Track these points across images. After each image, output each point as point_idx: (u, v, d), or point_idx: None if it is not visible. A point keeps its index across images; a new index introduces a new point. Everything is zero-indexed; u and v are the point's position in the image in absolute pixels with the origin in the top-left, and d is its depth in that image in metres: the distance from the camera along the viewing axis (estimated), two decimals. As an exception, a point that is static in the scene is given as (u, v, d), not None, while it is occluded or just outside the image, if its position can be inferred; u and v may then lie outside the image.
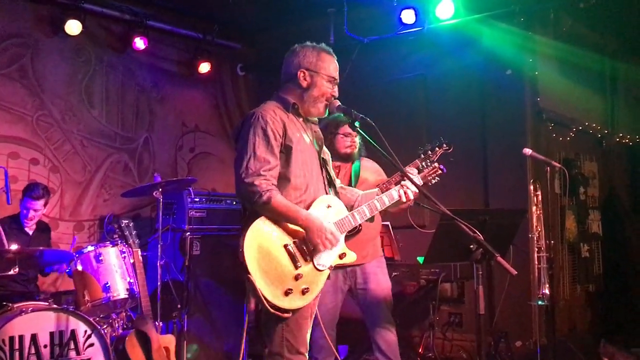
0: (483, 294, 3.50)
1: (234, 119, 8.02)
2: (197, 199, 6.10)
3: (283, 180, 3.18)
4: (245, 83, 8.22)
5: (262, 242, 3.07)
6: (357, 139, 4.60)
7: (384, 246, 5.85)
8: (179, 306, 5.65)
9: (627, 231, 7.72)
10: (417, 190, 3.51)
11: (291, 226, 3.17)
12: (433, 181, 4.19)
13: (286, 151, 3.20)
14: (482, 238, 2.97)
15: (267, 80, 7.76)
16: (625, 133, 7.97)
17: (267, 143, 3.11)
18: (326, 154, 3.51)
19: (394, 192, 3.66)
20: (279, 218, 3.12)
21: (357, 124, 3.34)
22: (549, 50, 6.70)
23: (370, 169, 4.73)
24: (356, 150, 4.61)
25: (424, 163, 4.43)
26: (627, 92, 7.98)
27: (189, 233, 5.94)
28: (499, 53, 6.35)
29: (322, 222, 3.19)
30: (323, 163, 3.44)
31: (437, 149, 4.57)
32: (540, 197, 5.01)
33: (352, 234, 3.63)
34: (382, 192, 3.91)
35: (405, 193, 3.66)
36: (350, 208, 3.48)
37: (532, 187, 5.03)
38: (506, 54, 6.35)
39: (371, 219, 3.56)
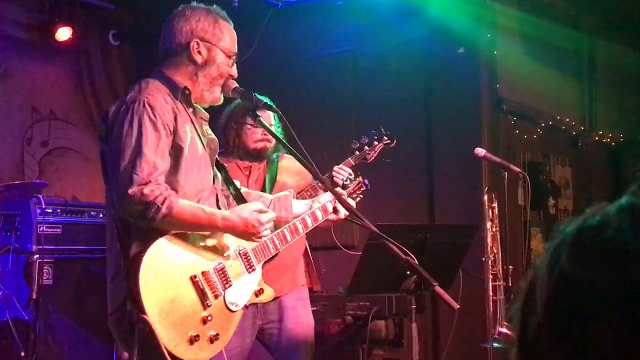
0: (417, 334, 3.59)
1: (104, 103, 7.89)
2: (49, 210, 5.97)
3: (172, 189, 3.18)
4: (120, 55, 8.12)
5: (165, 272, 3.04)
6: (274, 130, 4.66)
7: (299, 273, 5.90)
8: (22, 354, 5.53)
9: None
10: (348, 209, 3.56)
11: (201, 243, 3.20)
12: (357, 199, 4.29)
13: (175, 153, 3.20)
14: (416, 261, 3.05)
15: (150, 52, 7.67)
16: (606, 130, 8.32)
17: (157, 140, 3.09)
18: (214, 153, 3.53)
19: (329, 205, 3.73)
20: (187, 230, 3.12)
21: (257, 113, 3.38)
22: (511, 23, 6.96)
23: (290, 170, 4.77)
24: (271, 145, 4.65)
25: (357, 161, 4.52)
26: (608, 79, 8.34)
27: (37, 256, 5.81)
28: (448, 26, 6.54)
29: (241, 212, 3.26)
30: (217, 170, 3.46)
31: (375, 142, 4.66)
32: (496, 211, 5.18)
33: (268, 259, 3.67)
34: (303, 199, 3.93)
35: (336, 208, 3.76)
36: None
37: (486, 198, 5.19)
38: (458, 27, 6.54)
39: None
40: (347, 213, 3.75)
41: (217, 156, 4.71)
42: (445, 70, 6.72)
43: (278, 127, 4.52)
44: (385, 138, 4.71)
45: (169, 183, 3.15)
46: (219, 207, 3.39)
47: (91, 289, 6.01)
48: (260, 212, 3.30)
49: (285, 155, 4.78)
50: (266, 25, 7.01)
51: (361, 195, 4.37)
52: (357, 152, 4.64)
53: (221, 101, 3.46)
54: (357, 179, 4.41)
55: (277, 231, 3.56)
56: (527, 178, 5.19)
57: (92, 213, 6.24)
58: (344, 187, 4.31)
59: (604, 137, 8.33)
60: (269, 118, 4.44)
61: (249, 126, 4.57)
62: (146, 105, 3.12)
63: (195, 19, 3.33)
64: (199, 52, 3.30)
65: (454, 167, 6.59)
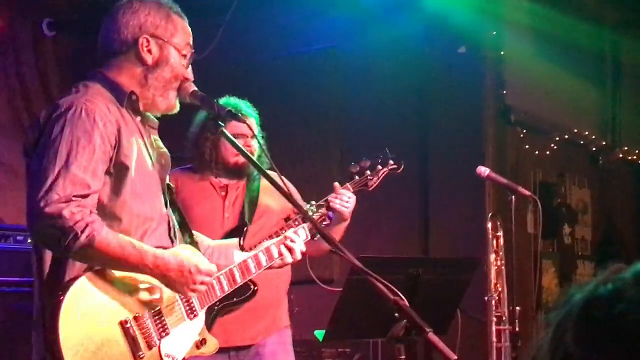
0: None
1: (35, 105, 7.86)
2: (-33, 234, 5.95)
3: (109, 219, 3.14)
4: (56, 49, 8.11)
5: (89, 316, 3.02)
6: (256, 142, 4.62)
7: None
8: None
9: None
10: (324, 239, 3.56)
11: (134, 281, 3.17)
12: (315, 237, 4.26)
13: (118, 173, 3.17)
14: (406, 303, 3.07)
15: (92, 45, 7.66)
16: (632, 145, 8.38)
17: (91, 155, 3.06)
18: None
19: (274, 249, 3.74)
20: (109, 267, 3.10)
21: (220, 123, 3.39)
22: (521, 18, 7.04)
23: (274, 191, 4.66)
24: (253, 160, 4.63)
25: (356, 188, 4.51)
26: (635, 84, 8.41)
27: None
28: (447, 21, 6.59)
29: (181, 258, 3.20)
30: (168, 194, 3.45)
31: (379, 167, 4.62)
32: (502, 240, 5.21)
33: (245, 297, 3.67)
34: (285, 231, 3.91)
35: (289, 250, 3.75)
36: None
37: (490, 225, 5.22)
38: (459, 23, 6.60)
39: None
40: (294, 258, 3.79)
41: (184, 172, 4.74)
42: (443, 73, 6.78)
43: (262, 138, 4.53)
44: (391, 162, 4.65)
45: (109, 209, 3.14)
46: (171, 239, 3.39)
47: (20, 332, 5.94)
48: (197, 267, 3.22)
49: (268, 172, 4.75)
50: (231, 16, 6.99)
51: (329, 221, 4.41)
52: (356, 177, 4.57)
53: (177, 108, 3.46)
54: (321, 210, 4.41)
55: (224, 270, 3.55)
56: (538, 202, 5.20)
57: (18, 238, 6.20)
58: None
59: (630, 154, 8.39)
60: (246, 129, 4.40)
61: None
62: (83, 112, 3.09)
63: (144, 12, 3.32)
64: (149, 51, 3.29)
65: (452, 189, 6.65)
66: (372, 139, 6.86)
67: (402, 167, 4.70)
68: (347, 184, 4.52)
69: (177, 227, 3.49)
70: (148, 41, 3.31)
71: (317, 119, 7.13)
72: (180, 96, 3.41)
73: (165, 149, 3.49)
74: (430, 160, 6.84)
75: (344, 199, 4.45)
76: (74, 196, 3.00)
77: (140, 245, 3.12)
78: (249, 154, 3.76)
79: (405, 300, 3.10)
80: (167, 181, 3.49)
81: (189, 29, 3.43)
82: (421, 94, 6.93)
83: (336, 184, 4.53)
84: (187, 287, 3.18)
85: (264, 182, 4.67)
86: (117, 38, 3.34)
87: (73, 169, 3.03)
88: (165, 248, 3.29)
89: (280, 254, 3.76)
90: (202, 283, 3.21)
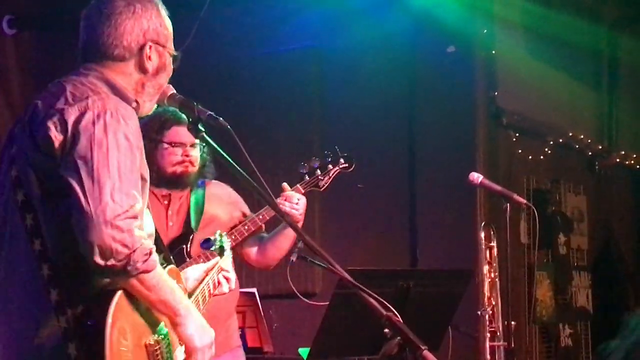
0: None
1: (-6, 110, 7.83)
2: None
3: None
4: (17, 46, 8.07)
5: (132, 335, 3.03)
6: (197, 151, 4.66)
7: (245, 328, 5.88)
8: None
9: (631, 305, 8.13)
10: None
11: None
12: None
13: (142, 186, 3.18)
14: (400, 318, 3.07)
15: (54, 42, 7.65)
16: (630, 150, 8.41)
17: (133, 166, 3.04)
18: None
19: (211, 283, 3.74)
20: (147, 298, 3.11)
21: (201, 126, 3.37)
22: (514, 15, 7.07)
23: (221, 199, 4.79)
24: (194, 169, 4.65)
25: (307, 188, 4.55)
26: (633, 85, 8.48)
27: None
28: (436, 18, 6.59)
29: (206, 323, 3.26)
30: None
31: (329, 166, 4.71)
32: (495, 251, 5.21)
33: None
34: (238, 240, 3.91)
35: (226, 279, 3.77)
36: None
37: (483, 235, 5.22)
38: (448, 20, 6.59)
39: None
40: (230, 288, 3.83)
41: None
42: (432, 73, 6.79)
43: (202, 151, 4.58)
44: (342, 161, 4.74)
45: None
46: (161, 253, 3.39)
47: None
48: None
49: (214, 181, 4.81)
50: (207, 11, 6.94)
51: None
52: (306, 178, 4.67)
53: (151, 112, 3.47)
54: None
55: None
56: (535, 211, 5.19)
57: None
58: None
59: (627, 158, 8.43)
60: (187, 137, 4.47)
61: (165, 145, 4.57)
62: (121, 119, 3.05)
63: (146, 16, 3.28)
64: (150, 59, 3.30)
65: (442, 196, 6.65)
66: (357, 143, 6.74)
67: (354, 165, 4.77)
68: (297, 185, 4.60)
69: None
70: (151, 48, 3.30)
71: (297, 121, 7.12)
72: (159, 99, 3.40)
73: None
74: (417, 165, 6.84)
75: (293, 201, 4.53)
76: (132, 209, 2.95)
77: (184, 295, 3.22)
78: (229, 159, 3.74)
79: (398, 316, 3.10)
80: None
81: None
82: (408, 95, 6.93)
83: (284, 184, 4.60)
84: (202, 340, 3.26)
85: (210, 190, 4.75)
86: (119, 44, 3.28)
87: (125, 179, 3.00)
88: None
89: (220, 284, 3.77)
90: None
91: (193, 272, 3.76)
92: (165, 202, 4.67)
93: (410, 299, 4.28)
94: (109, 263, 2.95)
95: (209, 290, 3.73)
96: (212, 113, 3.39)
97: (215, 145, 3.46)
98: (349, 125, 6.95)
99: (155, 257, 3.02)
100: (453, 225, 6.54)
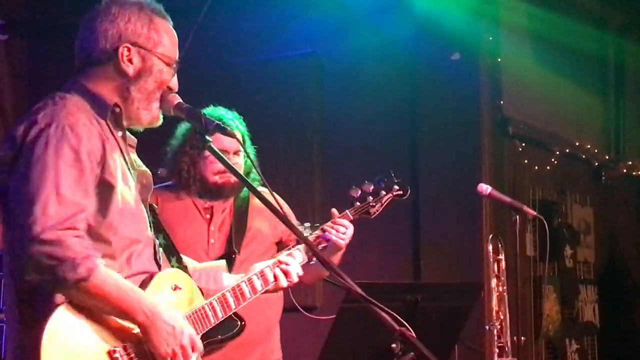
0: None
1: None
2: None
3: (95, 242, 3.18)
4: (9, 51, 8.09)
5: (72, 351, 3.08)
6: (240, 158, 4.66)
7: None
8: None
9: (638, 319, 8.21)
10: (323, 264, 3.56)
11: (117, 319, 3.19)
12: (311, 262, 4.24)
13: (103, 192, 3.20)
14: (413, 333, 3.12)
15: (47, 47, 7.67)
16: (638, 160, 8.46)
17: (80, 174, 3.12)
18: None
19: (268, 272, 3.80)
20: (100, 308, 3.14)
21: (207, 139, 3.42)
22: (520, 22, 7.15)
23: (266, 213, 4.52)
24: (234, 180, 4.56)
25: (357, 215, 4.47)
26: (640, 92, 8.54)
27: None
28: (440, 25, 6.63)
29: (176, 317, 3.26)
30: (151, 215, 3.51)
31: (382, 192, 4.58)
32: (503, 264, 5.27)
33: (232, 334, 3.72)
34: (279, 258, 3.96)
35: (284, 273, 3.81)
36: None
37: (490, 247, 5.28)
38: (452, 26, 6.64)
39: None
40: (288, 282, 3.87)
41: (165, 190, 4.70)
42: (436, 81, 6.84)
43: (246, 156, 4.54)
44: (396, 188, 4.59)
45: (95, 231, 3.17)
46: (158, 264, 3.45)
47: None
48: (192, 337, 3.28)
49: (260, 187, 4.70)
50: (204, 17, 7.00)
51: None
52: (357, 204, 4.51)
53: (160, 121, 3.50)
54: (317, 231, 4.36)
55: (217, 295, 3.59)
56: (545, 223, 5.12)
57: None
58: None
59: (634, 169, 8.48)
60: (231, 143, 4.49)
61: (206, 153, 4.38)
62: (67, 128, 3.13)
63: (124, 18, 3.34)
64: (130, 61, 3.32)
65: (445, 207, 6.71)
66: (357, 152, 6.96)
67: (409, 193, 4.64)
68: (347, 211, 4.46)
69: (161, 250, 3.54)
70: (129, 50, 3.34)
71: (296, 130, 7.15)
72: (164, 108, 3.43)
73: (146, 168, 3.54)
74: (421, 176, 6.86)
75: (341, 230, 4.40)
76: (69, 220, 3.02)
77: (135, 290, 3.17)
78: (237, 170, 3.80)
79: (411, 330, 3.14)
80: (149, 201, 3.54)
81: (174, 34, 3.46)
82: (411, 104, 6.98)
83: (334, 210, 4.47)
84: (170, 349, 3.20)
85: (253, 202, 4.68)
86: (95, 48, 3.35)
87: (64, 190, 3.06)
88: (152, 273, 3.36)
89: (275, 278, 3.81)
90: (183, 354, 3.23)
91: (229, 278, 3.87)
92: (207, 215, 4.66)
93: (418, 313, 4.31)
94: (37, 278, 3.02)
95: (262, 284, 3.78)
96: (219, 123, 3.45)
97: (223, 157, 3.54)
98: (349, 134, 7.03)
99: (93, 263, 3.02)
100: (458, 237, 6.59)
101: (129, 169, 3.37)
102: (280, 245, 4.59)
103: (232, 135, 3.48)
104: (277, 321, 4.88)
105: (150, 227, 3.46)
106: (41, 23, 7.80)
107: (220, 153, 3.49)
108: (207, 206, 4.65)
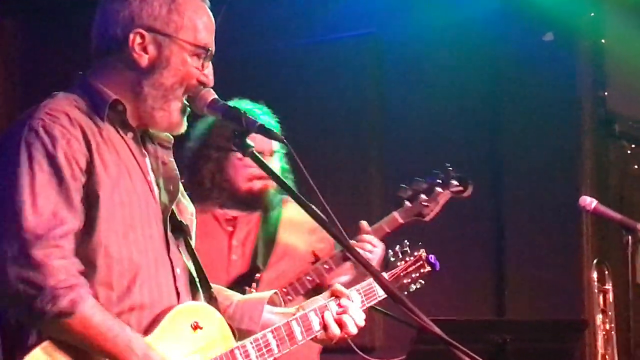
0: None
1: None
2: None
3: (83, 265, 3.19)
4: (1, 36, 8.21)
5: None
6: (277, 161, 4.74)
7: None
8: None
9: None
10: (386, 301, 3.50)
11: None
12: (413, 287, 4.20)
13: (90, 205, 3.22)
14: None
15: (43, 30, 7.73)
16: None
17: (59, 182, 3.14)
18: (185, 212, 3.58)
19: (314, 319, 3.66)
20: (85, 345, 3.14)
21: (249, 143, 3.40)
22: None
23: (301, 225, 4.77)
24: (272, 185, 4.68)
25: (408, 218, 4.49)
26: None
27: None
28: (530, -1, 6.59)
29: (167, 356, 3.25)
30: (176, 229, 3.51)
31: (438, 189, 4.64)
32: (611, 296, 5.20)
33: None
34: (297, 290, 3.88)
35: (340, 323, 3.66)
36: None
37: (594, 275, 5.22)
38: (544, 1, 6.61)
39: None
40: (347, 334, 3.73)
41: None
42: (523, 68, 6.80)
43: (282, 161, 4.59)
44: (455, 183, 4.68)
45: (80, 252, 3.17)
46: (177, 292, 3.42)
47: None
48: None
49: (288, 200, 4.79)
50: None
51: (422, 282, 4.21)
52: (407, 204, 4.61)
53: (183, 126, 3.47)
54: (417, 252, 4.28)
55: (254, 336, 3.56)
56: None
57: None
58: (388, 265, 4.24)
59: None
60: (264, 144, 4.49)
61: (239, 155, 4.53)
62: (41, 130, 3.16)
63: None
64: (144, 50, 3.32)
65: (536, 226, 6.64)
66: (421, 151, 6.94)
67: (471, 189, 4.70)
68: (394, 213, 4.57)
69: (192, 275, 3.55)
70: (142, 37, 3.33)
71: (350, 126, 7.18)
72: (196, 107, 3.43)
73: (176, 173, 3.54)
74: (504, 186, 6.83)
75: (366, 248, 4.49)
76: (50, 236, 3.03)
77: (126, 332, 3.16)
78: (282, 178, 3.77)
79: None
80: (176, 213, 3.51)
81: (208, 14, 3.44)
82: (491, 96, 6.95)
83: (363, 224, 4.54)
84: None
85: (287, 212, 4.77)
86: (104, 34, 3.36)
87: (40, 201, 3.08)
88: (167, 307, 3.34)
89: (325, 326, 3.74)
90: None
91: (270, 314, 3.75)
92: (230, 227, 4.74)
93: (507, 356, 4.30)
94: (11, 310, 3.10)
95: (327, 326, 3.68)
96: (263, 124, 3.42)
97: (267, 165, 3.52)
98: (413, 130, 7.02)
99: (78, 295, 3.03)
100: (552, 263, 6.50)
101: (144, 174, 3.38)
102: (316, 264, 4.63)
103: (279, 139, 3.46)
104: (317, 356, 4.99)
105: (169, 245, 3.42)
106: (35, 3, 7.89)
107: (262, 160, 3.48)
108: (229, 217, 4.73)
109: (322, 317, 3.70)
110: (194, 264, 3.58)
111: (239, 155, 4.43)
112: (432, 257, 4.26)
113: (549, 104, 6.76)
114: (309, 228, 4.74)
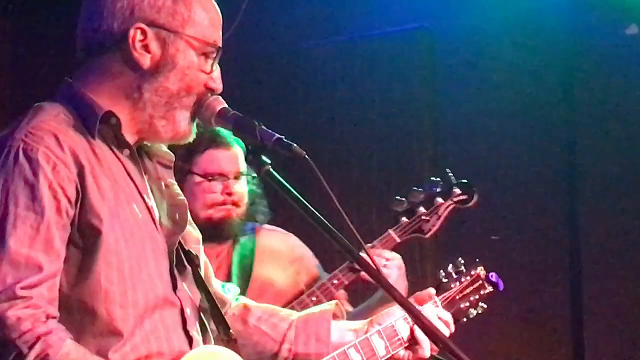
0: None
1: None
2: None
3: (78, 313, 3.22)
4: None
5: None
6: (243, 184, 4.74)
7: None
8: None
9: None
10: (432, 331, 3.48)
11: None
12: (473, 311, 4.16)
13: (85, 241, 3.21)
14: None
15: (36, 27, 7.80)
16: None
17: (39, 219, 3.12)
18: (192, 240, 3.58)
19: (378, 341, 3.67)
20: None
21: (265, 160, 3.35)
22: None
23: (279, 255, 4.85)
24: (239, 212, 4.73)
25: (406, 236, 4.52)
26: None
27: None
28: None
29: None
30: (182, 261, 3.49)
31: (439, 199, 4.69)
32: None
33: None
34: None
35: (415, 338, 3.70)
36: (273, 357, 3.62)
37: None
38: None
39: None
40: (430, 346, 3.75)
41: None
42: (601, 64, 6.77)
43: (251, 184, 4.66)
44: (457, 191, 4.70)
45: (73, 301, 3.19)
46: (188, 336, 3.40)
47: None
48: None
49: (266, 227, 4.89)
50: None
51: (484, 305, 4.15)
52: (403, 220, 4.64)
53: (192, 135, 3.44)
54: (475, 271, 4.21)
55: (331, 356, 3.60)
56: None
57: None
58: (439, 288, 4.22)
59: None
60: (229, 165, 4.59)
61: (196, 178, 4.63)
62: (21, 155, 3.15)
63: None
64: (146, 48, 3.33)
65: (618, 251, 6.59)
66: (483, 162, 6.91)
67: (477, 197, 4.72)
68: (390, 231, 4.60)
69: (204, 314, 3.56)
70: (144, 33, 3.29)
71: (398, 130, 7.19)
72: (203, 118, 3.40)
73: (182, 197, 3.56)
74: (581, 201, 6.79)
75: (380, 262, 4.48)
76: (20, 287, 3.02)
77: None
78: (304, 202, 3.74)
79: None
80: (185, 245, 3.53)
81: (216, 9, 3.41)
82: (565, 96, 6.92)
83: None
84: None
85: (261, 240, 4.84)
86: (96, 29, 3.32)
87: (13, 244, 3.08)
88: (176, 354, 3.33)
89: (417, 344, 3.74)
90: None
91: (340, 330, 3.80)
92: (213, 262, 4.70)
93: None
94: None
95: (387, 342, 3.73)
96: (282, 137, 3.35)
97: (288, 186, 3.44)
98: (469, 133, 7.04)
99: (47, 344, 3.02)
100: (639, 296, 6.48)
101: (145, 200, 3.37)
102: (303, 297, 4.67)
103: (301, 154, 3.36)
104: None
105: (175, 280, 3.41)
106: (26, 3, 7.97)
107: (282, 180, 3.41)
108: (210, 246, 4.64)
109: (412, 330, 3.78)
110: (206, 297, 3.55)
111: (197, 178, 4.61)
112: (493, 276, 4.20)
113: (631, 105, 6.71)
114: (290, 257, 4.85)
